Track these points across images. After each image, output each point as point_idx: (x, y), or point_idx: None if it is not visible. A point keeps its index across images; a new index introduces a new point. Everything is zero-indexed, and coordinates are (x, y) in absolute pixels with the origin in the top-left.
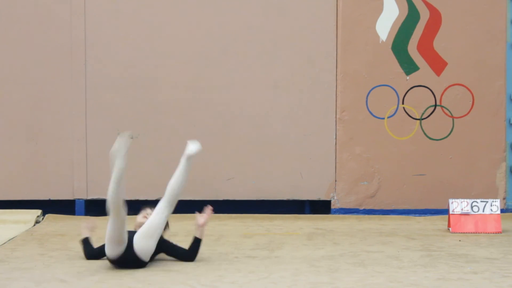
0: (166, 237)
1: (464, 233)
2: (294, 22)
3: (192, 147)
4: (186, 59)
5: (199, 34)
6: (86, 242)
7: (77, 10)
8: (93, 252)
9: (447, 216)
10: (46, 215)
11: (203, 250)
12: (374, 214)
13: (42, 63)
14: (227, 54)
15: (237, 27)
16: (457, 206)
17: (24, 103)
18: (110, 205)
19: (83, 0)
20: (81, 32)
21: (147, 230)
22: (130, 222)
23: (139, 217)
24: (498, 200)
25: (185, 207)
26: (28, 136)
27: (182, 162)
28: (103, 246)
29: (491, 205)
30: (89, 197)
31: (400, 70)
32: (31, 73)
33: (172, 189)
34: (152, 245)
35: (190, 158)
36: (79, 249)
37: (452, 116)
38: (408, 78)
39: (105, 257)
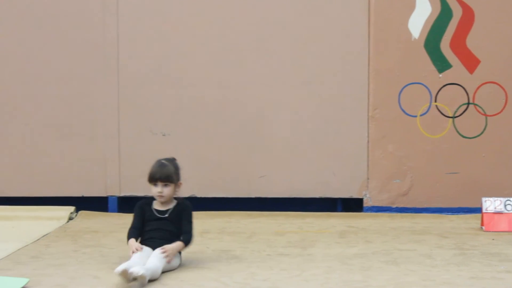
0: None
1: (497, 231)
2: (326, 19)
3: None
4: (218, 56)
5: (231, 32)
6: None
7: (110, 8)
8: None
9: (480, 214)
10: (79, 212)
11: (235, 247)
12: (406, 212)
13: (76, 61)
14: (258, 52)
15: (269, 25)
16: (490, 204)
17: (57, 101)
18: None
19: None
20: (114, 30)
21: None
22: None
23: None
24: None
25: (217, 204)
26: (61, 134)
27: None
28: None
29: None
30: (122, 194)
31: (432, 67)
32: (65, 71)
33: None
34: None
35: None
36: (112, 245)
37: (485, 114)
38: (440, 75)
39: None
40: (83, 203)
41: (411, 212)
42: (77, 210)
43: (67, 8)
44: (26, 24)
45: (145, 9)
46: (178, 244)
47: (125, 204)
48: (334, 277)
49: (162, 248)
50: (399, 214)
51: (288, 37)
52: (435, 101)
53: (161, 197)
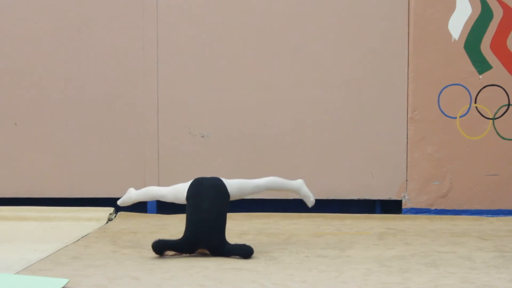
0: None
1: None
2: (365, 20)
3: (312, 200)
4: (257, 58)
5: (271, 33)
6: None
7: (149, 9)
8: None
9: None
10: (119, 213)
11: (273, 249)
12: (445, 214)
13: (115, 62)
14: (298, 53)
15: (309, 26)
16: None
17: (96, 102)
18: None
19: None
20: (154, 31)
21: (244, 185)
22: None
23: None
24: None
25: (255, 205)
26: (101, 135)
27: (298, 189)
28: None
29: None
30: None
31: (472, 69)
32: (104, 72)
33: (274, 184)
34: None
35: (303, 196)
36: (151, 246)
37: None
38: (481, 77)
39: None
40: None
41: (450, 214)
42: (116, 211)
43: (107, 11)
44: (66, 26)
45: (185, 10)
46: None
47: (164, 205)
48: (372, 279)
49: None
50: (438, 216)
51: (328, 39)
52: (475, 103)
53: None
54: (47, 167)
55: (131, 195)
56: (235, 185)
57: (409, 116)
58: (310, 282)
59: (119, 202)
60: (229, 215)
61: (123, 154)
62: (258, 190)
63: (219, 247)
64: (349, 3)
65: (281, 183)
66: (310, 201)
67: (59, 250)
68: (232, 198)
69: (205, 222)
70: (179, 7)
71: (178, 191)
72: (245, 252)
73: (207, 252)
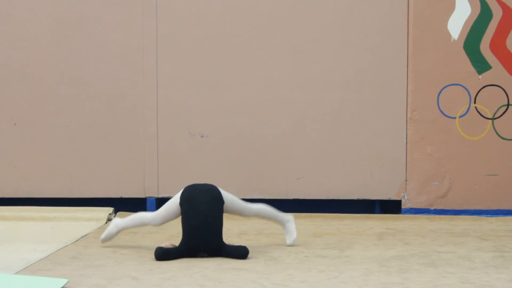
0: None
1: None
2: (365, 20)
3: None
4: (256, 58)
5: (270, 33)
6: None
7: (149, 8)
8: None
9: None
10: (118, 213)
11: (273, 248)
12: (445, 214)
13: (115, 62)
14: (297, 54)
15: (308, 26)
16: None
17: (96, 102)
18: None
19: None
20: (153, 31)
21: (236, 200)
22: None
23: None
24: None
25: None
26: (100, 135)
27: (282, 221)
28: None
29: None
30: (160, 195)
31: (472, 69)
32: (104, 73)
33: (264, 212)
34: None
35: (289, 230)
36: (150, 246)
37: None
38: (480, 77)
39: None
40: (121, 204)
41: (450, 214)
42: (115, 211)
43: (106, 11)
44: (66, 26)
45: (184, 11)
46: None
47: (163, 205)
48: (372, 279)
49: None
50: (437, 216)
51: (327, 39)
52: (475, 103)
53: None
54: (47, 167)
55: (116, 223)
56: (228, 196)
57: (408, 116)
58: (310, 282)
59: (102, 237)
60: (229, 215)
61: (123, 154)
62: (248, 213)
63: (218, 251)
64: (348, 3)
65: (271, 212)
66: (292, 239)
67: (58, 250)
68: (224, 206)
69: (202, 226)
70: (179, 7)
71: (169, 205)
72: (241, 253)
73: (206, 254)
